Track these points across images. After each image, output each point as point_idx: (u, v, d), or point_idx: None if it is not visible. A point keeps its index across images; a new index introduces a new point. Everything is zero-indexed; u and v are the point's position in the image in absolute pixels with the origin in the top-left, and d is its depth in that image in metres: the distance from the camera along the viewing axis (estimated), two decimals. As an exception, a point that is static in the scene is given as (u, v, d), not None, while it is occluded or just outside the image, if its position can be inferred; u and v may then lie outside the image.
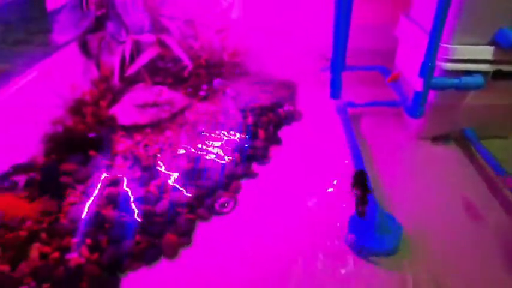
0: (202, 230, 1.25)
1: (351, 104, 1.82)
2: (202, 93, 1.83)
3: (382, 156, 1.57)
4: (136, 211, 1.25)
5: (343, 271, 1.11)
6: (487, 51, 1.37)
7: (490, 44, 1.36)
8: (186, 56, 1.64)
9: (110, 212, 1.26)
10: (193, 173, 1.42)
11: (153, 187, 1.35)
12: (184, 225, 1.24)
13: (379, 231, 1.17)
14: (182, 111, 1.66)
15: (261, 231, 1.24)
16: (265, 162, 1.53)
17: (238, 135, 1.62)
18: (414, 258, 1.14)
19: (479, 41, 1.37)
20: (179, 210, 1.27)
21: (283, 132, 1.72)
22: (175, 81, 1.80)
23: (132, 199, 1.30)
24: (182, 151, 1.51)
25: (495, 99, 1.52)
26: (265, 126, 1.71)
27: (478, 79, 1.40)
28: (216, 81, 1.77)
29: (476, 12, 1.33)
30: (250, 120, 1.72)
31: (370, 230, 1.17)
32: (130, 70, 1.65)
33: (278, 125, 1.74)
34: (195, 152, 1.50)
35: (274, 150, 1.60)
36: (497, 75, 1.42)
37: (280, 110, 1.82)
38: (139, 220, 1.23)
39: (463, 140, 1.63)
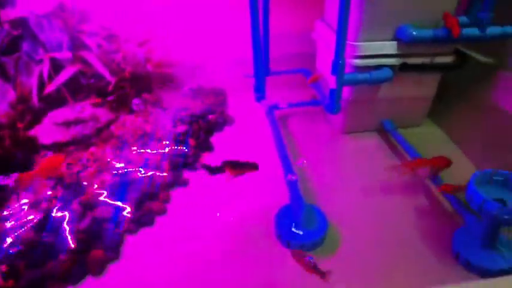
0: (130, 243, 1.21)
1: (277, 107, 1.88)
2: (135, 107, 1.81)
3: (309, 152, 1.63)
4: (58, 230, 1.20)
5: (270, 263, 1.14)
6: (391, 46, 1.48)
7: (393, 39, 1.48)
8: (106, 70, 1.61)
9: (29, 235, 1.20)
10: (120, 186, 1.39)
11: (75, 205, 1.30)
12: (110, 240, 1.20)
13: (305, 224, 1.21)
14: (107, 126, 1.63)
15: (190, 238, 1.23)
16: (196, 169, 1.54)
17: (167, 144, 1.61)
18: (340, 248, 1.19)
19: (384, 37, 1.48)
20: (104, 225, 1.24)
21: (215, 138, 1.74)
22: (99, 96, 1.77)
23: (53, 219, 1.24)
24: (108, 166, 1.47)
25: (405, 92, 1.65)
26: (196, 133, 1.71)
27: (386, 72, 1.51)
28: (135, 101, 1.75)
29: (376, 11, 1.43)
30: (180, 128, 1.73)
31: (297, 223, 1.21)
32: (49, 88, 1.59)
33: (209, 132, 1.75)
34: (121, 166, 1.47)
35: (205, 157, 1.61)
36: (405, 68, 1.54)
37: (211, 117, 1.84)
38: (62, 239, 1.18)
39: (383, 131, 1.74)
